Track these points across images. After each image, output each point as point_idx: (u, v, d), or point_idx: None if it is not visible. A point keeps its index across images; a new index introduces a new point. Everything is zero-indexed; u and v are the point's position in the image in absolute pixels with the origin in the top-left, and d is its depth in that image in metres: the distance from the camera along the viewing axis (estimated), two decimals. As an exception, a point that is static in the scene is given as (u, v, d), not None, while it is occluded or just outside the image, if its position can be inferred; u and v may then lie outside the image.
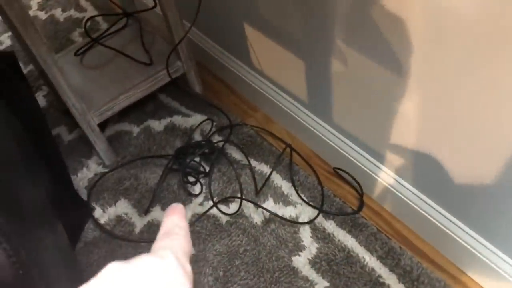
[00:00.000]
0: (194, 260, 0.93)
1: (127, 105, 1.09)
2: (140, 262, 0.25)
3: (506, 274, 0.76)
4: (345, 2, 0.72)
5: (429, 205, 0.85)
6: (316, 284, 0.87)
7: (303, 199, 0.98)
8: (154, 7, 1.04)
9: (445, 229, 0.83)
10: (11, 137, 0.58)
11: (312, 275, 0.88)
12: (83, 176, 1.10)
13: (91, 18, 1.45)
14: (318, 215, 0.95)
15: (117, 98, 1.07)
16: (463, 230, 0.81)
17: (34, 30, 0.84)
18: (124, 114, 1.19)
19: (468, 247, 0.80)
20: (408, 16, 0.63)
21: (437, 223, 0.84)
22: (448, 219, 0.83)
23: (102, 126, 1.12)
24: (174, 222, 0.30)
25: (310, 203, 0.98)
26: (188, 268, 0.26)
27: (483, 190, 0.72)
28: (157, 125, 1.18)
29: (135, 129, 1.18)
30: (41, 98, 1.31)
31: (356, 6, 0.71)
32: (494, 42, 0.55)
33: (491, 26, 0.54)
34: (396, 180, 0.89)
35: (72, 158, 1.13)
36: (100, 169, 1.11)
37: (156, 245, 0.28)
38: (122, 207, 1.03)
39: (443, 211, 0.83)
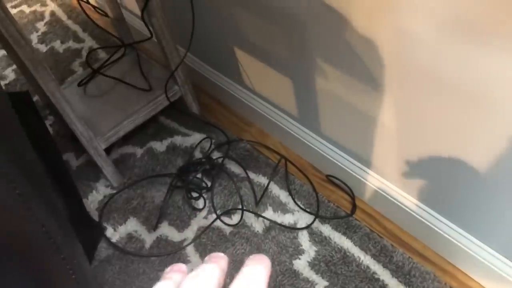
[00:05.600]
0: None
1: (130, 129, 1.16)
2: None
3: (486, 261, 0.84)
4: (322, 27, 0.80)
5: (415, 203, 0.92)
6: (316, 284, 0.94)
7: (300, 206, 1.06)
8: (151, 37, 1.12)
9: (431, 225, 0.90)
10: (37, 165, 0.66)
11: (312, 276, 0.95)
12: (93, 199, 1.17)
13: (92, 50, 1.54)
14: (314, 220, 1.02)
15: (120, 123, 1.14)
16: (447, 225, 0.88)
17: (43, 68, 0.92)
18: (127, 138, 1.26)
19: (452, 239, 0.88)
20: (376, 37, 0.71)
21: (423, 220, 0.91)
22: (433, 216, 0.90)
23: (108, 150, 1.19)
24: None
25: (307, 209, 1.05)
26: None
27: (461, 187, 0.79)
28: (159, 146, 1.25)
29: (139, 151, 1.25)
30: (47, 127, 1.39)
31: (331, 30, 0.79)
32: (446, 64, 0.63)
33: (439, 46, 0.62)
34: (383, 183, 0.96)
35: (81, 182, 1.21)
36: (109, 191, 1.18)
37: None
38: (132, 225, 1.10)
39: (427, 208, 0.90)
